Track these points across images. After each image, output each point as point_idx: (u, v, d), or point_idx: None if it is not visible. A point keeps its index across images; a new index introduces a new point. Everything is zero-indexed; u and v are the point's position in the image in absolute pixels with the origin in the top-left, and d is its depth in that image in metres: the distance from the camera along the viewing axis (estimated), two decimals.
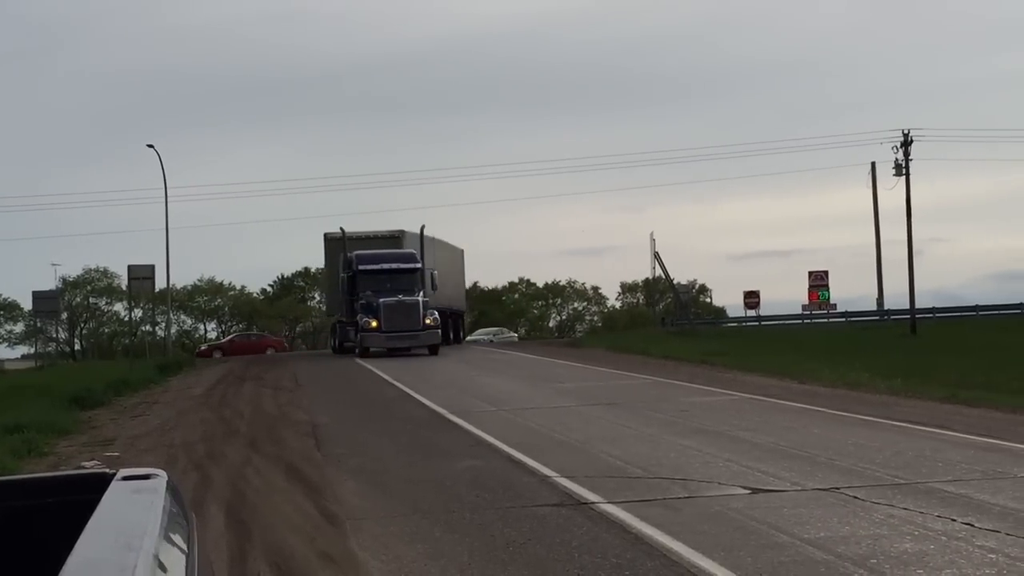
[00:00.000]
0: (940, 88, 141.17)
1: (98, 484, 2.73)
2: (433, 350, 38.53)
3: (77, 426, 19.07)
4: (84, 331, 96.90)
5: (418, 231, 44.18)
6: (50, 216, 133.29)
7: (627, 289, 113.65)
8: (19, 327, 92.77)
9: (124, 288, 62.92)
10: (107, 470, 2.93)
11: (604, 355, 37.32)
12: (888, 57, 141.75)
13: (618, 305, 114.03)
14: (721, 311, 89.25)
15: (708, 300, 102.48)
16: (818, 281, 63.71)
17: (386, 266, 39.98)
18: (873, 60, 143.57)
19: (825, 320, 61.88)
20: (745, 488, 10.51)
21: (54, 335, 78.24)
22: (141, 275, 38.10)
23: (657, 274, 63.39)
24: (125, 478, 2.80)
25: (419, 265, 40.71)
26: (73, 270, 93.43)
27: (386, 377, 27.85)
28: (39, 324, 64.89)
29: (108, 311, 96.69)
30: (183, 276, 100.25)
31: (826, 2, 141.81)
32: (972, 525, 8.59)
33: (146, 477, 2.82)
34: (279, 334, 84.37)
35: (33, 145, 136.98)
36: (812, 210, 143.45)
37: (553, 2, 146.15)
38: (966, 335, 42.08)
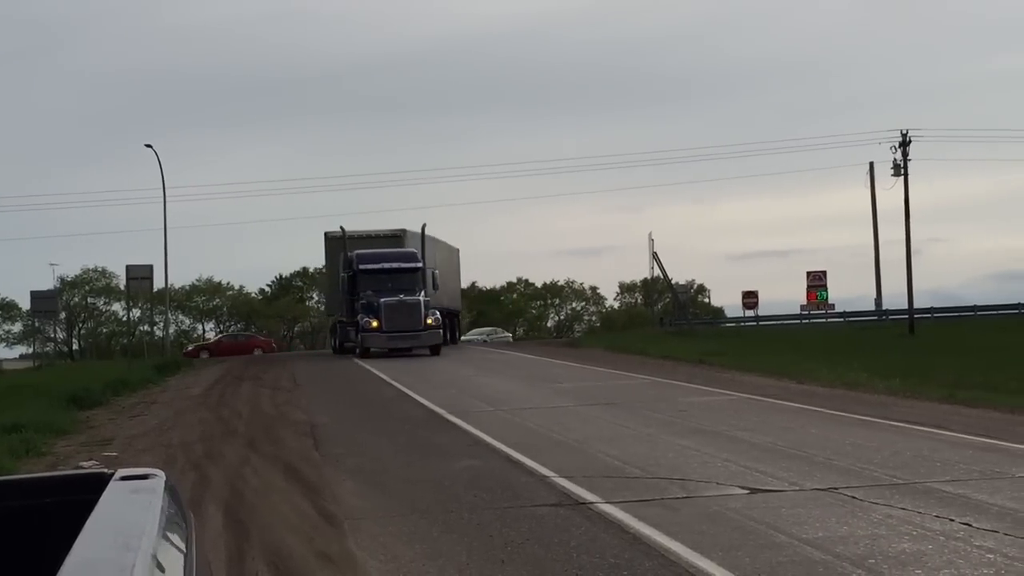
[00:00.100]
0: (939, 88, 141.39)
1: (96, 484, 2.73)
2: (435, 350, 38.26)
3: (75, 426, 19.06)
4: (82, 331, 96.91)
5: (419, 230, 43.88)
6: (49, 216, 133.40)
7: (625, 289, 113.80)
8: (17, 327, 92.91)
9: (122, 288, 62.88)
10: (105, 470, 2.93)
11: (602, 355, 37.31)
12: (887, 57, 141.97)
13: (616, 305, 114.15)
14: (719, 311, 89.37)
15: (706, 300, 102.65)
16: (816, 281, 63.78)
17: (387, 265, 39.57)
18: (872, 60, 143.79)
19: (823, 320, 61.98)
20: (743, 488, 10.52)
21: (52, 335, 78.41)
22: (139, 275, 38.08)
23: (655, 274, 63.46)
24: (123, 478, 2.80)
25: (420, 264, 40.30)
26: (71, 270, 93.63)
27: (384, 377, 27.85)
28: (37, 324, 64.88)
29: (106, 311, 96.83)
30: (182, 276, 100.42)
31: (825, 2, 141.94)
32: (970, 525, 8.60)
33: (144, 477, 2.81)
34: (267, 334, 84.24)
35: (32, 145, 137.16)
36: (811, 210, 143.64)
37: (552, 2, 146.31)
38: (964, 335, 42.11)
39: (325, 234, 45.74)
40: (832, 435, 14.33)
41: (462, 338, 58.80)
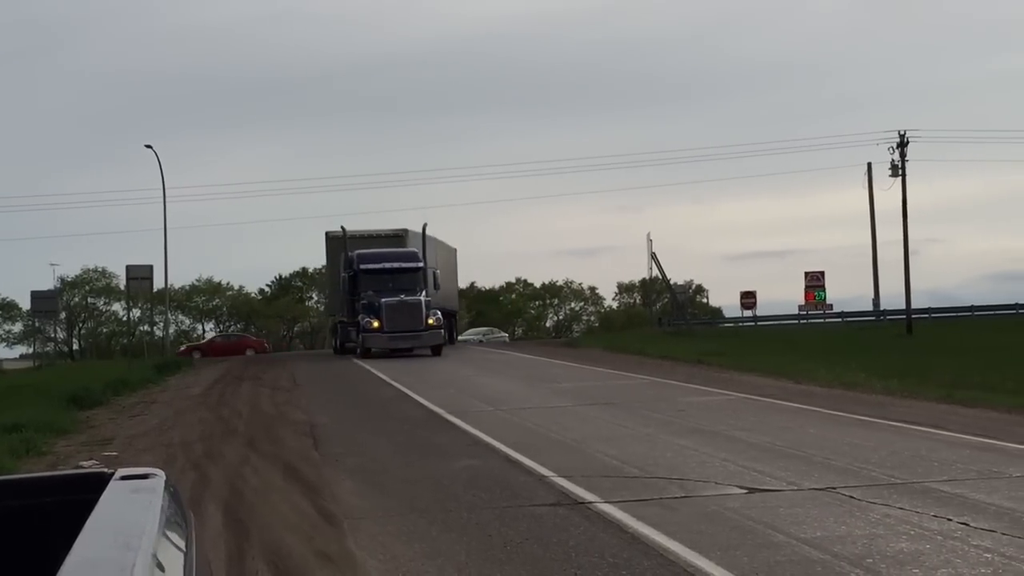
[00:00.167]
0: (936, 89, 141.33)
1: (96, 484, 2.74)
2: (436, 351, 37.94)
3: (75, 426, 19.07)
4: (82, 331, 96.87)
5: (420, 230, 43.58)
6: (49, 216, 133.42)
7: (624, 289, 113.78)
8: (17, 327, 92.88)
9: (122, 288, 62.82)
10: (105, 470, 2.94)
11: (601, 355, 37.30)
12: (885, 58, 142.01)
13: (615, 305, 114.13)
14: (718, 311, 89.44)
15: (705, 300, 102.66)
16: (814, 281, 63.76)
17: (388, 265, 39.19)
18: (870, 61, 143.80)
19: (821, 320, 61.96)
20: (741, 488, 10.53)
21: (52, 335, 78.22)
22: (139, 275, 38.05)
23: (654, 274, 63.44)
24: (123, 477, 2.80)
25: (421, 264, 39.94)
26: (72, 270, 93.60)
27: (384, 377, 27.85)
28: (37, 324, 64.83)
29: (106, 311, 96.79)
30: (182, 276, 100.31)
31: (823, 4, 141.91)
32: (968, 525, 8.61)
33: (144, 477, 2.82)
34: (263, 334, 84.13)
35: (32, 145, 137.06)
36: (809, 211, 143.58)
37: (551, 3, 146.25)
38: (962, 335, 42.12)
39: (326, 234, 45.39)
40: (830, 435, 14.35)
41: (459, 338, 58.72)
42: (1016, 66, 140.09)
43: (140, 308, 78.13)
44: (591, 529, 8.95)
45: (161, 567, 2.08)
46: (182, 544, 2.43)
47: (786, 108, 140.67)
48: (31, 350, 70.88)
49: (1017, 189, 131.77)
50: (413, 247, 41.89)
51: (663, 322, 67.28)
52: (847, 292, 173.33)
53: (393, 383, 25.66)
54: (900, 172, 55.33)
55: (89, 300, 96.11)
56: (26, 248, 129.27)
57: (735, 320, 68.99)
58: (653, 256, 60.47)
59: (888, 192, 59.33)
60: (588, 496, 10.31)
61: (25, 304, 71.26)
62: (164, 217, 50.78)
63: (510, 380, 26.30)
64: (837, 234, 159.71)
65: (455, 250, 53.72)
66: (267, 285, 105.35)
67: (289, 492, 11.50)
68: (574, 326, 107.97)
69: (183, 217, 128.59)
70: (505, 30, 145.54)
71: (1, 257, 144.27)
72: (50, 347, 72.75)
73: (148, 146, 50.31)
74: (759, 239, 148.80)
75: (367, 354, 37.10)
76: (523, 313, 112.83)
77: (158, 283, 45.06)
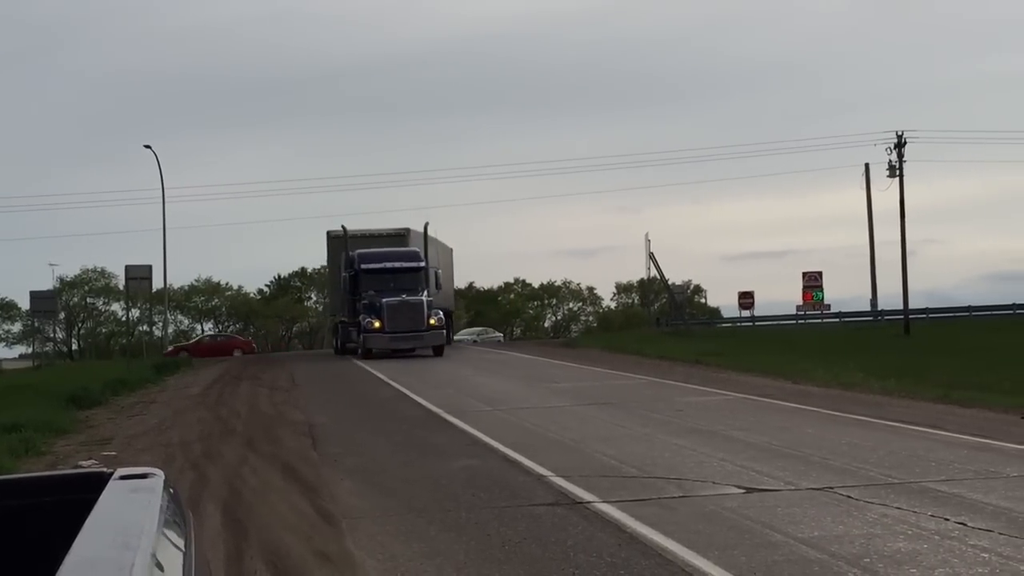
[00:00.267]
0: (934, 90, 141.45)
1: (95, 483, 2.74)
2: (438, 351, 37.61)
3: (74, 425, 19.07)
4: (81, 331, 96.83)
5: (421, 230, 43.28)
6: (48, 216, 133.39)
7: (622, 289, 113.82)
8: (17, 327, 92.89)
9: (121, 288, 62.84)
10: (104, 469, 2.94)
11: (599, 355, 37.31)
12: (882, 59, 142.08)
13: (613, 305, 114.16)
14: (716, 312, 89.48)
15: (703, 301, 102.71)
16: (812, 282, 63.72)
17: (389, 265, 38.76)
18: (867, 62, 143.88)
19: (819, 320, 61.93)
20: (739, 487, 10.55)
21: (52, 335, 78.26)
22: (138, 275, 37.99)
23: (652, 275, 63.47)
24: (122, 477, 2.81)
25: (423, 264, 39.54)
26: (71, 270, 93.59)
27: (382, 377, 27.86)
28: (37, 324, 64.81)
29: (105, 311, 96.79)
30: (181, 276, 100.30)
31: (821, 5, 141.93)
32: (965, 524, 8.63)
33: (143, 476, 2.82)
34: (260, 334, 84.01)
35: (32, 145, 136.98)
36: (806, 211, 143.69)
37: (551, 4, 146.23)
38: (959, 336, 42.15)
39: (327, 233, 44.98)
40: (828, 435, 14.36)
41: (454, 338, 58.57)
42: (1014, 67, 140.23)
43: (139, 308, 78.12)
44: (589, 529, 8.97)
45: (160, 567, 2.08)
46: (181, 544, 2.43)
47: (785, 109, 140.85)
48: (30, 350, 70.83)
49: (1015, 190, 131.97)
50: (415, 247, 41.51)
51: (661, 322, 67.27)
52: (845, 292, 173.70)
53: (392, 383, 25.67)
54: (898, 173, 55.38)
55: (88, 300, 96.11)
56: (25, 248, 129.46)
57: (733, 320, 69.01)
58: (651, 256, 60.54)
59: (886, 193, 59.54)
60: (586, 496, 10.33)
61: (24, 304, 71.40)
62: (163, 217, 50.96)
63: (508, 380, 26.31)
64: (835, 234, 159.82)
65: (451, 250, 53.68)
66: (266, 285, 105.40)
67: (288, 492, 11.51)
68: (572, 326, 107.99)
69: (183, 217, 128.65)
70: (505, 30, 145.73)
71: (1, 257, 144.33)
72: (49, 347, 72.80)
73: (147, 146, 50.47)
74: (757, 239, 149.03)
75: (368, 355, 36.67)
76: (521, 313, 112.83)
77: (157, 283, 45.11)
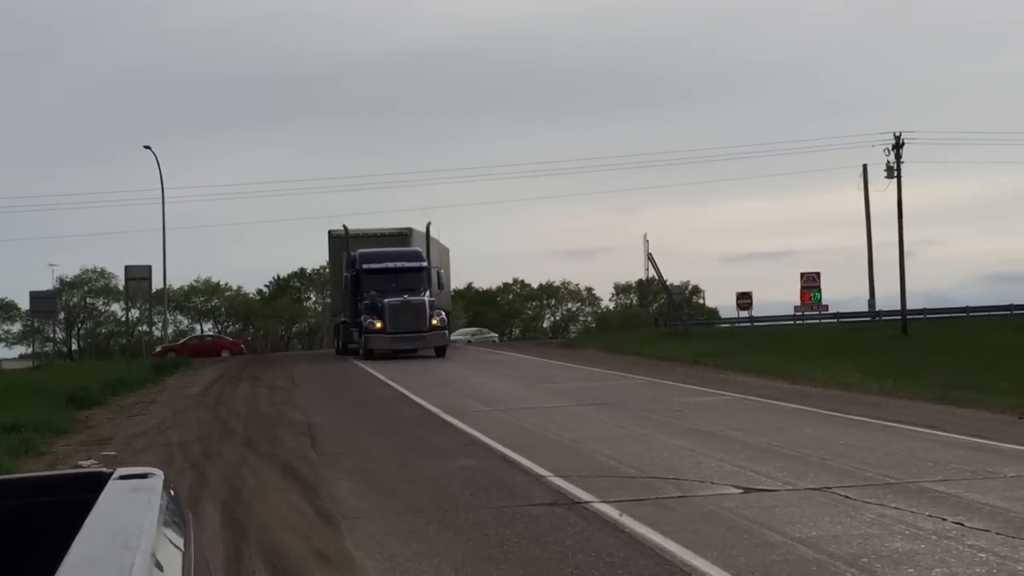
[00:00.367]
0: (932, 91, 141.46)
1: (95, 483, 2.75)
2: (440, 352, 37.23)
3: (74, 425, 19.08)
4: (81, 331, 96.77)
5: (423, 229, 42.94)
6: (48, 216, 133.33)
7: (620, 290, 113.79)
8: (16, 327, 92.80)
9: (121, 288, 62.82)
10: (104, 469, 2.95)
11: (598, 355, 37.32)
12: (880, 60, 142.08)
13: (612, 306, 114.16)
14: (714, 312, 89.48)
15: (701, 301, 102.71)
16: (810, 282, 63.67)
17: (391, 265, 38.32)
18: (865, 63, 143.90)
19: (817, 321, 61.93)
20: (737, 488, 10.56)
21: (51, 335, 78.24)
22: (138, 275, 37.98)
23: (650, 275, 63.44)
24: (122, 477, 2.81)
25: (425, 264, 39.10)
26: (70, 270, 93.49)
27: (381, 377, 27.87)
28: (36, 324, 64.78)
29: (105, 311, 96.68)
30: (181, 277, 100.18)
31: (819, 6, 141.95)
32: (962, 524, 8.65)
33: (143, 476, 2.83)
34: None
35: (32, 146, 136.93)
36: (805, 212, 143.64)
37: (551, 4, 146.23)
38: (956, 336, 42.18)
39: (329, 232, 44.59)
40: (826, 435, 14.38)
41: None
42: (1012, 68, 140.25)
43: (139, 308, 78.09)
44: (588, 529, 8.98)
45: (160, 566, 2.09)
46: (180, 543, 2.44)
47: (784, 109, 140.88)
48: (30, 350, 70.78)
49: (1013, 191, 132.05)
50: (417, 246, 41.10)
51: (659, 323, 67.24)
52: (843, 293, 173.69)
53: (391, 383, 25.68)
54: (896, 174, 55.40)
55: (88, 300, 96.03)
56: (25, 248, 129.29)
57: (731, 321, 68.99)
58: (650, 257, 60.54)
59: (884, 193, 59.63)
60: (585, 496, 10.34)
61: (24, 304, 71.36)
62: (163, 217, 50.91)
63: (507, 380, 26.33)
64: (833, 235, 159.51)
65: (448, 250, 53.62)
66: (265, 286, 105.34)
67: (287, 492, 11.52)
68: (571, 327, 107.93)
69: (183, 217, 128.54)
70: (505, 31, 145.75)
71: (1, 257, 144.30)
72: (49, 347, 72.76)
73: (147, 147, 50.36)
74: (755, 240, 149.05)
75: (370, 355, 36.22)
76: (520, 314, 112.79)
77: (157, 284, 45.07)
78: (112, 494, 2.61)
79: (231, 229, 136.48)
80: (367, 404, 21.53)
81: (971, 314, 62.78)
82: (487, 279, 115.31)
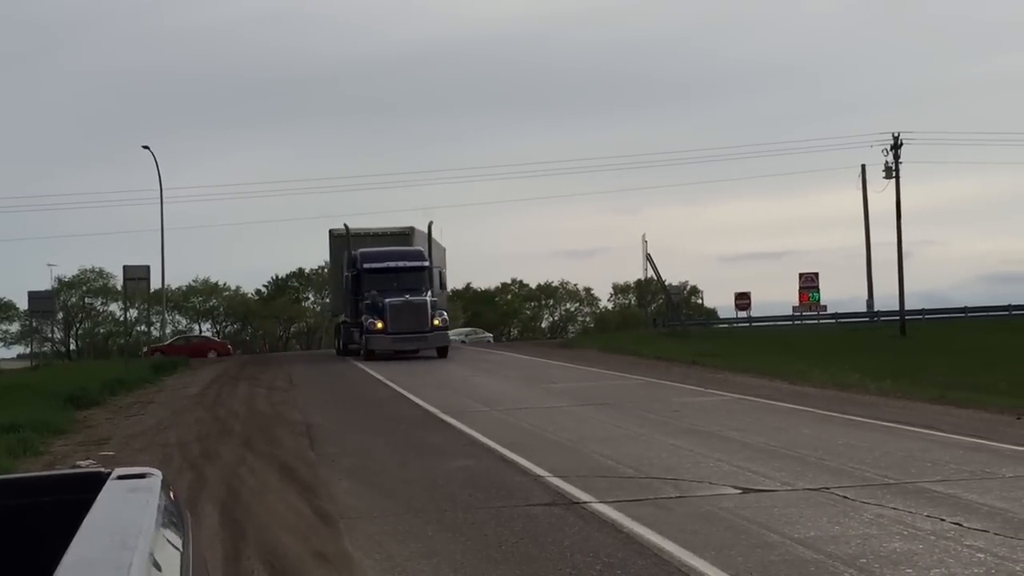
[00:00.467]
0: (930, 91, 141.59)
1: (93, 483, 2.75)
2: (442, 352, 36.88)
3: (72, 425, 19.07)
4: (79, 331, 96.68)
5: (425, 229, 42.57)
6: (47, 216, 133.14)
7: (619, 290, 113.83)
8: (15, 327, 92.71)
9: (119, 288, 62.73)
10: (102, 469, 2.94)
11: (596, 356, 37.32)
12: (879, 61, 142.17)
13: (610, 306, 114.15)
14: (712, 312, 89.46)
15: (699, 301, 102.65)
16: (808, 283, 63.69)
17: (392, 264, 37.90)
18: (864, 64, 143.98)
19: (815, 321, 61.98)
20: (736, 488, 10.57)
21: (50, 335, 78.21)
22: (136, 275, 37.94)
23: (649, 275, 63.49)
24: (120, 477, 2.81)
25: (427, 263, 38.68)
26: (69, 270, 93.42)
27: (380, 377, 27.87)
28: (35, 324, 64.71)
29: (103, 311, 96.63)
30: (179, 277, 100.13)
31: (818, 7, 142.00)
32: (961, 525, 8.65)
33: (141, 476, 2.83)
34: (220, 338, 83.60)
35: (31, 146, 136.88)
36: (804, 212, 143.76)
37: (551, 5, 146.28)
38: (954, 337, 42.22)
39: (329, 232, 44.28)
40: (824, 435, 14.38)
41: None
42: (1010, 68, 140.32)
43: (137, 308, 78.05)
44: (586, 529, 8.98)
45: (158, 566, 2.09)
46: (179, 543, 2.44)
47: (783, 110, 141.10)
48: (28, 350, 70.70)
49: (1012, 191, 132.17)
50: (419, 246, 40.75)
51: (658, 323, 67.23)
52: (842, 293, 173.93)
53: (389, 383, 25.67)
54: (894, 174, 55.45)
55: (86, 300, 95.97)
56: (24, 248, 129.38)
57: (729, 321, 69.03)
58: (648, 257, 60.57)
59: (883, 194, 59.58)
60: (583, 496, 10.34)
61: (22, 304, 71.33)
62: (161, 218, 50.95)
63: (506, 380, 26.33)
64: (832, 236, 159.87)
65: (444, 249, 53.55)
66: (264, 286, 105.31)
67: (285, 492, 11.52)
68: (569, 327, 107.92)
69: (182, 217, 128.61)
70: (505, 31, 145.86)
71: None
72: (47, 347, 72.71)
73: (145, 147, 50.33)
74: (754, 240, 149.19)
75: (371, 356, 35.81)
76: (519, 314, 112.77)
77: (155, 284, 45.07)
78: (110, 494, 2.61)
79: (230, 229, 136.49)
80: (366, 404, 21.53)
81: (969, 314, 62.84)
82: (486, 279, 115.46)
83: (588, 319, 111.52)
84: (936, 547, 7.95)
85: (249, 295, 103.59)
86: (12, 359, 75.83)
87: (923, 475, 11.04)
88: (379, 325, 36.21)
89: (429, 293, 37.60)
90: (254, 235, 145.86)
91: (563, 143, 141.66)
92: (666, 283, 63.88)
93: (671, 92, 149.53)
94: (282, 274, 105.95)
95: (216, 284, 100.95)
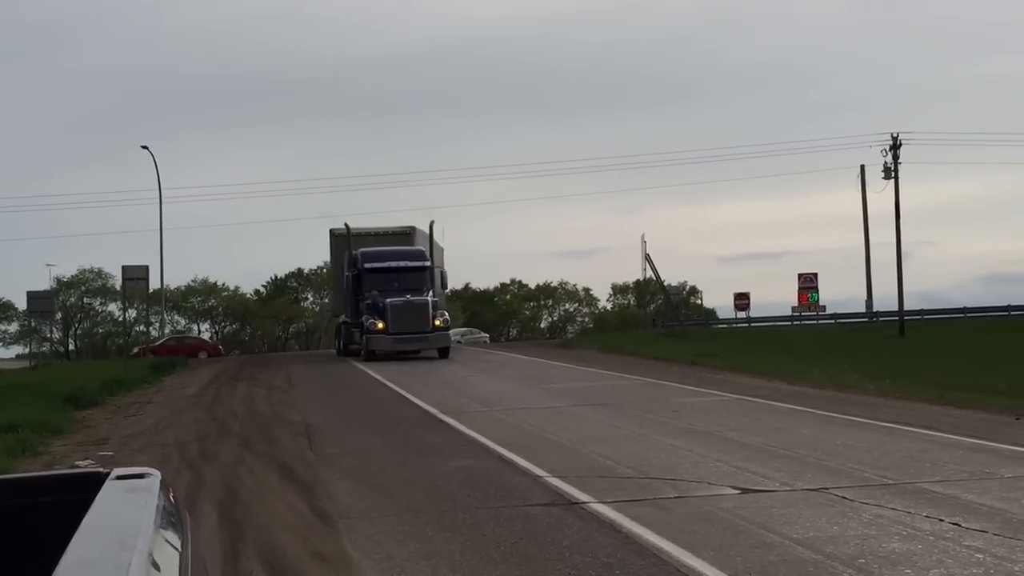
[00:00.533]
0: (929, 92, 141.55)
1: (92, 483, 2.75)
2: (443, 353, 36.67)
3: (71, 425, 19.07)
4: (78, 331, 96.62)
5: (426, 228, 42.29)
6: (47, 216, 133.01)
7: (618, 290, 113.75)
8: (13, 327, 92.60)
9: (118, 288, 62.76)
10: (101, 469, 2.95)
11: (595, 356, 37.32)
12: (878, 61, 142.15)
13: (609, 306, 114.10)
14: (711, 313, 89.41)
15: (698, 302, 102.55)
16: (807, 283, 63.67)
17: (393, 264, 37.68)
18: (863, 64, 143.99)
19: (814, 322, 61.98)
20: (735, 488, 10.57)
21: (48, 335, 78.18)
22: (135, 275, 37.94)
23: (648, 276, 63.53)
24: (119, 477, 2.82)
25: (428, 263, 38.45)
26: (68, 270, 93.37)
27: (379, 378, 27.86)
28: (33, 324, 64.78)
29: (102, 311, 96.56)
30: (179, 277, 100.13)
31: (817, 7, 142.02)
32: (959, 525, 8.65)
33: (140, 476, 2.83)
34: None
35: (30, 146, 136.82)
36: (803, 212, 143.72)
37: (551, 5, 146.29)
38: (954, 337, 42.22)
39: (330, 231, 44.07)
40: (823, 436, 14.38)
41: None
42: (1009, 68, 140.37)
43: (136, 309, 78.02)
44: (585, 529, 8.98)
45: (157, 566, 2.09)
46: (177, 543, 2.44)
47: (783, 110, 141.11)
48: (27, 350, 70.74)
49: (1011, 192, 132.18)
50: (420, 246, 40.54)
51: (657, 323, 67.21)
52: (841, 293, 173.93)
53: (388, 384, 25.67)
54: (893, 174, 55.47)
55: (85, 300, 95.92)
56: (23, 248, 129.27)
57: (728, 321, 69.01)
58: (647, 257, 60.60)
59: (882, 194, 59.58)
60: (582, 496, 10.34)
61: (21, 304, 71.26)
62: (160, 218, 50.89)
63: (505, 381, 26.33)
64: (831, 236, 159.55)
65: (442, 249, 53.45)
66: (263, 286, 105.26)
67: (284, 492, 11.52)
68: (568, 327, 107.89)
69: (181, 217, 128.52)
70: (505, 31, 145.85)
71: None
72: (46, 347, 72.69)
73: (144, 147, 50.30)
74: (753, 241, 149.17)
75: (371, 356, 35.53)
76: (518, 314, 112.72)
77: (154, 284, 45.04)
78: (109, 494, 2.61)
79: (230, 229, 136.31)
80: (365, 404, 21.53)
81: (968, 315, 62.83)
82: (485, 279, 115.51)
83: (587, 319, 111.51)
84: (935, 547, 7.95)
85: (248, 295, 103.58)
86: (11, 359, 75.81)
87: (922, 475, 11.05)
88: (380, 325, 35.99)
89: (430, 293, 37.42)
90: (254, 235, 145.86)
91: (563, 143, 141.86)
92: (665, 283, 63.94)
93: (671, 92, 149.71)
94: (281, 274, 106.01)
95: (215, 284, 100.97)
